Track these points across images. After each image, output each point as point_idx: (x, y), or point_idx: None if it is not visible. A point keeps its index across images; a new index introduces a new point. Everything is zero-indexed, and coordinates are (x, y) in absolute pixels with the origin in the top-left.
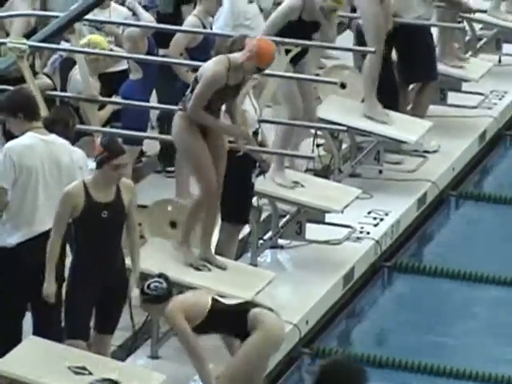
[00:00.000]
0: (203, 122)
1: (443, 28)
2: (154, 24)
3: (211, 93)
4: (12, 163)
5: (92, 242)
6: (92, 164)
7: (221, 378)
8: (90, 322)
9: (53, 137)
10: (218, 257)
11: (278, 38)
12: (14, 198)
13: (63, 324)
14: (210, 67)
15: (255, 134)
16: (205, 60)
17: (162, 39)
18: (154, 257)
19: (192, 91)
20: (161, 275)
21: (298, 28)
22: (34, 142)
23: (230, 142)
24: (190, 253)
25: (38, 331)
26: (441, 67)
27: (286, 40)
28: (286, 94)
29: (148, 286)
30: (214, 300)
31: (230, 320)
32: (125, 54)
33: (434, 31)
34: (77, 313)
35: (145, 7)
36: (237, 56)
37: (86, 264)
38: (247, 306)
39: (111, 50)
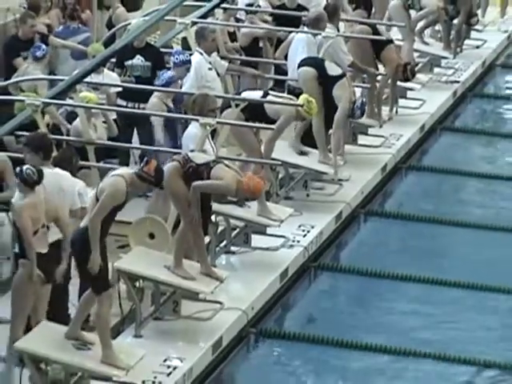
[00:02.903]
0: (193, 197)
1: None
2: (140, 86)
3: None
4: None
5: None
6: (91, 192)
7: None
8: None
9: (57, 169)
10: (215, 269)
11: (229, 96)
12: None
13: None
14: (229, 182)
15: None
16: (176, 112)
17: (144, 97)
18: (137, 261)
19: (198, 171)
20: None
21: None
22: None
23: None
24: (184, 271)
25: (50, 315)
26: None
27: (236, 97)
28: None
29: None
30: None
31: None
32: (111, 108)
33: None
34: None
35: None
36: (243, 180)
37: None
38: None
39: (102, 104)
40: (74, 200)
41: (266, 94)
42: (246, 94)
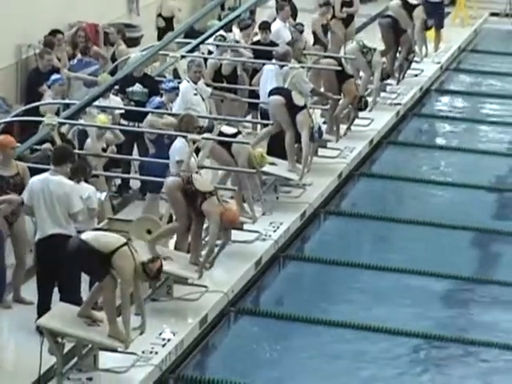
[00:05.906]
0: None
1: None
2: (139, 108)
3: None
4: (28, 188)
5: None
6: (101, 194)
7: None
8: None
9: (58, 177)
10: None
11: (211, 116)
12: (35, 212)
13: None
14: (217, 220)
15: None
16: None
17: (139, 117)
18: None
19: (195, 194)
20: None
21: None
22: (43, 178)
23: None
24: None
25: (63, 299)
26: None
27: (218, 117)
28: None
29: None
30: None
31: None
32: (117, 127)
33: None
34: None
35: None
36: (224, 212)
37: None
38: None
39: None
40: (70, 204)
41: (237, 133)
42: (224, 129)
